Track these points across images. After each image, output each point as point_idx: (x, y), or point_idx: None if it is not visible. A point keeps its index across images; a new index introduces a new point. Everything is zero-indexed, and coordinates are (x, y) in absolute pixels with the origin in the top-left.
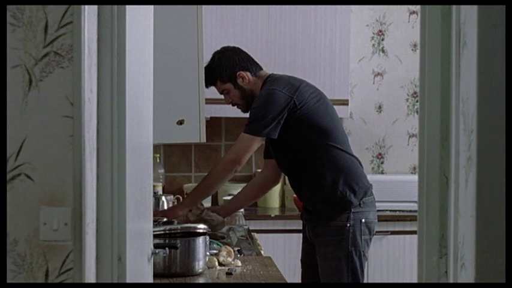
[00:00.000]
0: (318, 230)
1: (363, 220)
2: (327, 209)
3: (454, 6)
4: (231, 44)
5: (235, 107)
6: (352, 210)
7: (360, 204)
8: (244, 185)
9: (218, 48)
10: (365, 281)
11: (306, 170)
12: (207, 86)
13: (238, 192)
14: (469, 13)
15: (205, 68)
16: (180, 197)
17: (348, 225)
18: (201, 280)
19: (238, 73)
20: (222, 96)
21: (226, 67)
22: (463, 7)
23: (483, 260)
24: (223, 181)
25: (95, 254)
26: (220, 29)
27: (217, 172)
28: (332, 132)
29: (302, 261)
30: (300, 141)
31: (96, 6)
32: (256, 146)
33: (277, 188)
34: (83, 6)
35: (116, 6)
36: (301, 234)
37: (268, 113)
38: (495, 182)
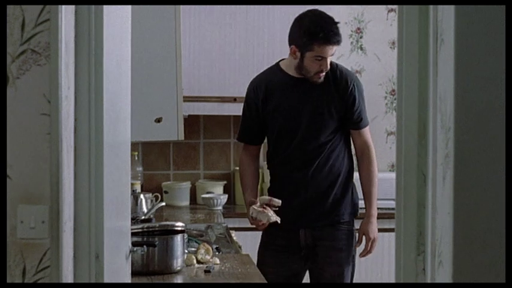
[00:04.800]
0: (325, 234)
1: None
2: (339, 210)
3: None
4: (208, 42)
5: (318, 74)
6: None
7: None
8: (224, 182)
9: (196, 46)
10: None
11: (329, 164)
12: (340, 43)
13: (247, 186)
14: (446, 11)
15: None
16: (159, 195)
17: (353, 228)
18: (179, 278)
19: None
20: (201, 94)
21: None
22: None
23: (461, 257)
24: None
25: (72, 252)
26: (199, 26)
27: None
28: None
29: (287, 277)
30: (336, 135)
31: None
32: None
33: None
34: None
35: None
36: None
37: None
38: (472, 179)
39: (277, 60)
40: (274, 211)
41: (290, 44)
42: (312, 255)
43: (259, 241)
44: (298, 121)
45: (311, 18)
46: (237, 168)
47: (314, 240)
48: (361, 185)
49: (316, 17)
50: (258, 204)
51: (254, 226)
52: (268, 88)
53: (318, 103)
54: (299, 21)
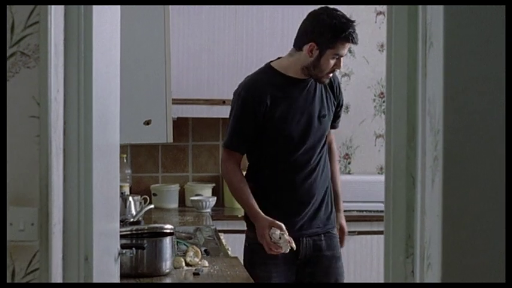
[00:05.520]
0: (325, 243)
1: None
2: (332, 216)
3: (420, 6)
4: (197, 44)
5: (328, 74)
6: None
7: None
8: (213, 185)
9: (184, 46)
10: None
11: (325, 169)
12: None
13: (250, 196)
14: (436, 13)
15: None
16: (148, 198)
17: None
18: (168, 280)
19: None
20: (189, 96)
21: None
22: (429, 7)
23: (449, 259)
24: None
25: (61, 254)
26: (188, 28)
27: None
28: None
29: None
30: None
31: (62, 6)
32: None
33: None
34: (49, 6)
35: (82, 6)
36: None
37: None
38: (461, 181)
39: (267, 62)
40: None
41: (306, 42)
42: (311, 264)
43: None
44: (307, 125)
45: (331, 14)
46: None
47: (314, 250)
48: (332, 181)
49: (337, 14)
50: (287, 233)
51: (263, 244)
52: (272, 94)
53: (321, 105)
54: (317, 18)
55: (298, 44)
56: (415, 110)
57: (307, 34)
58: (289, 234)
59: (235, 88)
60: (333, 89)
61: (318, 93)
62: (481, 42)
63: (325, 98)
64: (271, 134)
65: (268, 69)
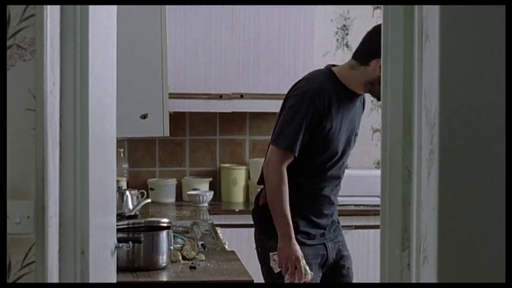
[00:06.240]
0: (342, 245)
1: None
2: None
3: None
4: (194, 39)
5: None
6: None
7: None
8: (210, 179)
9: (181, 40)
10: None
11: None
12: None
13: (288, 214)
14: (431, 7)
15: None
16: (145, 192)
17: None
18: (164, 274)
19: None
20: (186, 91)
21: None
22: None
23: (445, 252)
24: None
25: (57, 247)
26: (184, 20)
27: None
28: None
29: None
30: None
31: None
32: None
33: (241, 183)
34: None
35: None
36: None
37: None
38: (457, 174)
39: (327, 65)
40: None
41: (374, 57)
42: (335, 268)
43: (244, 238)
44: (347, 142)
45: None
46: (223, 165)
47: (337, 253)
48: None
49: None
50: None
51: (290, 267)
52: (335, 105)
53: (358, 123)
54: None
55: (364, 58)
56: (411, 104)
57: (377, 50)
58: (316, 240)
59: (297, 85)
60: (363, 108)
61: (360, 111)
62: (477, 36)
63: (360, 116)
64: (319, 145)
65: (331, 76)
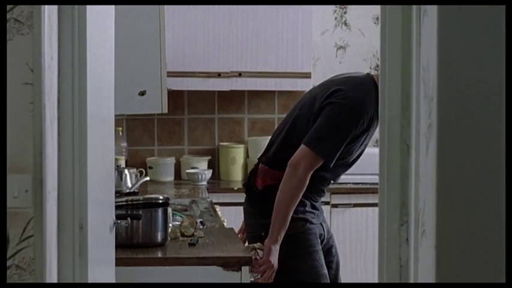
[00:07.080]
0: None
1: None
2: None
3: None
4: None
5: None
6: None
7: None
8: (209, 158)
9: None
10: None
11: None
12: None
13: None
14: None
15: None
16: (143, 171)
17: None
18: (163, 251)
19: None
20: (185, 69)
21: None
22: None
23: (444, 226)
24: None
25: (56, 221)
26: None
27: None
28: None
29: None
30: None
31: None
32: None
33: (240, 161)
34: None
35: None
36: None
37: None
38: (455, 148)
39: (369, 73)
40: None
41: None
42: (326, 248)
43: (243, 216)
44: (361, 153)
45: None
46: (222, 143)
47: (327, 231)
48: None
49: None
50: None
51: (264, 276)
52: (376, 120)
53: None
54: None
55: None
56: (410, 78)
57: None
58: (316, 219)
59: (341, 92)
60: None
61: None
62: (475, 10)
63: None
64: (346, 152)
65: (374, 88)
